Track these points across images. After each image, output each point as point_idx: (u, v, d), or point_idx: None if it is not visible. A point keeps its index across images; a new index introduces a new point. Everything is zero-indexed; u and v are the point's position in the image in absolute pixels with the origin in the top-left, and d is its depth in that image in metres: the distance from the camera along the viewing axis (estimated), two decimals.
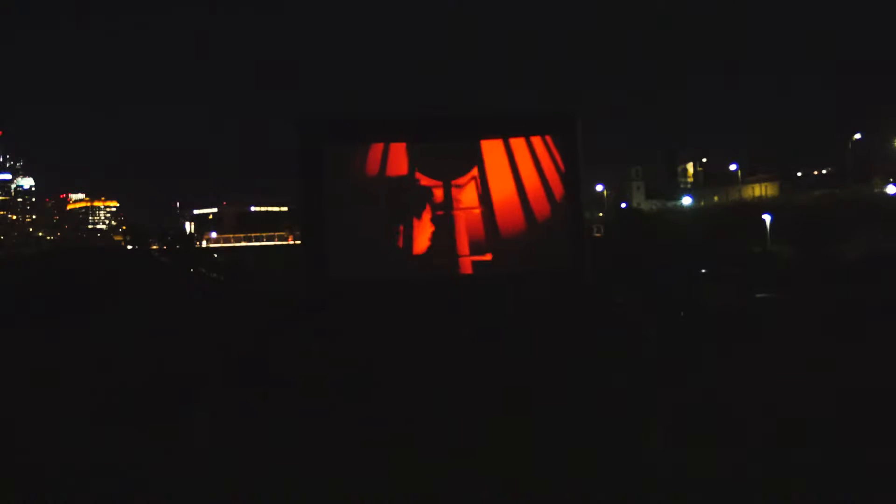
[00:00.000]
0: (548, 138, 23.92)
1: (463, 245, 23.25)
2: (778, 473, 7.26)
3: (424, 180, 23.49)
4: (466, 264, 23.20)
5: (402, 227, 23.27)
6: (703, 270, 28.48)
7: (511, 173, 23.69)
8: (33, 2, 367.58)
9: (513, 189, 23.67)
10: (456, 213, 23.37)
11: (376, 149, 23.63)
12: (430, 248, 23.25)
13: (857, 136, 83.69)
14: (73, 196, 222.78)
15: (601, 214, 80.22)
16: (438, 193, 23.49)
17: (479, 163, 23.68)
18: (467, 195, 23.52)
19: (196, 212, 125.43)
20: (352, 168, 23.61)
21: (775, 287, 23.95)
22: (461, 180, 23.58)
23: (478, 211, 23.41)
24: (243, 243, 73.77)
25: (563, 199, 23.78)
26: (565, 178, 23.86)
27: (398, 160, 23.59)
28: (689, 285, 21.91)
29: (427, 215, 23.31)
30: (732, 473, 7.27)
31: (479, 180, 23.60)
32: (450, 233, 23.25)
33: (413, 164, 23.53)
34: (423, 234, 23.29)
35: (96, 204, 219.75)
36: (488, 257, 23.14)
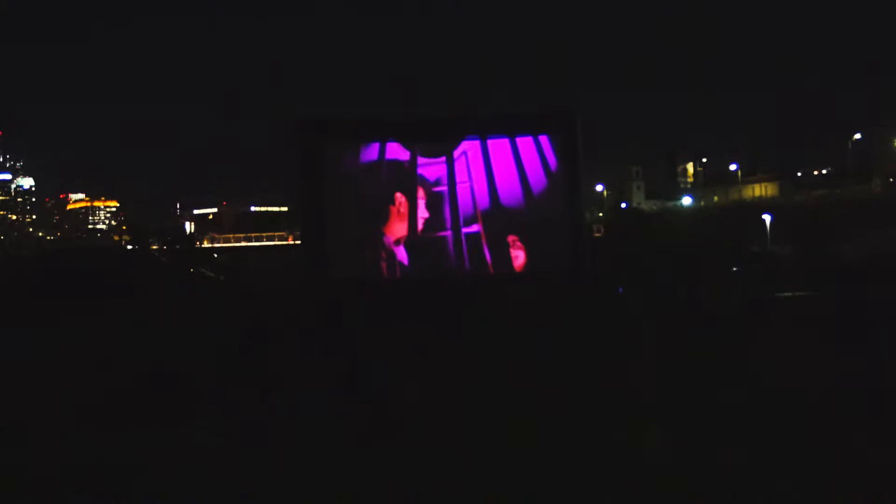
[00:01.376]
0: (548, 137, 23.94)
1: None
2: (778, 473, 7.24)
3: (422, 173, 23.55)
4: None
5: (400, 225, 23.29)
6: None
7: (511, 171, 23.72)
8: (34, 1, 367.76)
9: (513, 187, 23.69)
10: (450, 198, 23.43)
11: (376, 148, 23.65)
12: (426, 236, 23.31)
13: (857, 136, 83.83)
14: (73, 196, 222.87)
15: (601, 214, 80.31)
16: (436, 188, 23.52)
17: (481, 160, 23.72)
18: (466, 190, 23.58)
19: (196, 212, 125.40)
20: (352, 167, 23.61)
21: (776, 287, 23.94)
22: (461, 175, 23.62)
23: (476, 202, 23.46)
24: (243, 243, 73.77)
25: (563, 199, 23.79)
26: (565, 177, 23.87)
27: (398, 159, 23.61)
28: (690, 285, 21.89)
29: (424, 208, 23.35)
30: (733, 474, 7.25)
31: (478, 177, 23.64)
32: (445, 215, 23.32)
33: (412, 163, 23.55)
34: (420, 221, 23.35)
35: (96, 204, 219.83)
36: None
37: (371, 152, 23.59)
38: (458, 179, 23.50)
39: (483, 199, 23.55)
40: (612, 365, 12.43)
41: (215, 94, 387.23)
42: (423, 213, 23.31)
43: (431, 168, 23.54)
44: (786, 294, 22.89)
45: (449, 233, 23.37)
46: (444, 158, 23.55)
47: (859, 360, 12.09)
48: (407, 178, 23.45)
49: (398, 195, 23.37)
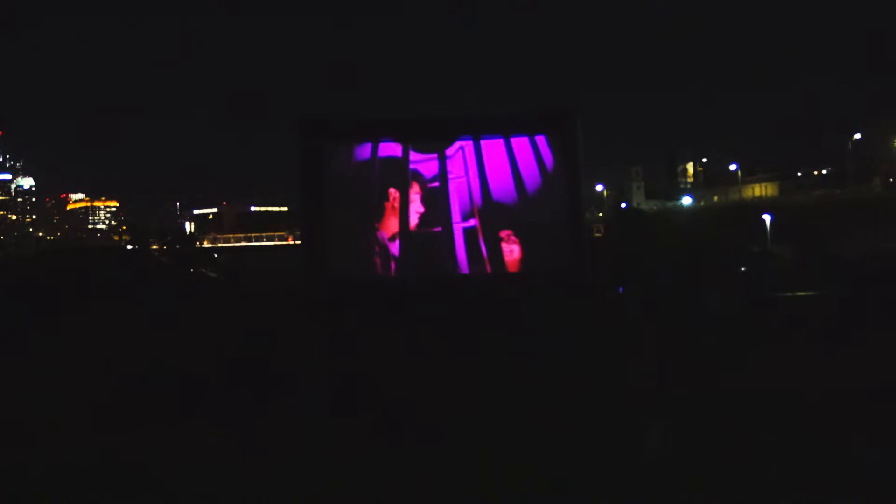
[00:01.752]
0: (548, 137, 23.92)
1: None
2: (779, 473, 7.24)
3: (420, 171, 23.60)
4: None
5: (397, 222, 23.32)
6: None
7: (513, 171, 23.72)
8: (34, 2, 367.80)
9: (512, 186, 23.69)
10: (446, 194, 23.47)
11: (376, 147, 23.68)
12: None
13: (857, 136, 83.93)
14: (73, 196, 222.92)
15: (601, 214, 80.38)
16: (432, 185, 23.55)
17: (480, 159, 23.74)
18: (463, 186, 23.61)
19: (196, 212, 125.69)
20: (352, 167, 23.63)
21: (780, 287, 23.91)
22: (458, 173, 23.65)
23: (473, 199, 23.49)
24: (243, 243, 73.82)
25: (562, 199, 23.78)
26: (565, 177, 23.86)
27: (397, 158, 23.64)
28: (690, 285, 21.86)
29: (420, 203, 23.38)
30: (733, 473, 7.25)
31: (476, 175, 23.67)
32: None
33: (410, 161, 23.59)
34: (416, 217, 23.40)
35: (96, 204, 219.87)
36: (472, 222, 23.28)
37: (370, 152, 23.62)
38: (455, 176, 23.54)
39: (480, 197, 23.58)
40: (613, 365, 12.43)
41: (216, 94, 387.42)
42: (419, 208, 23.37)
43: (427, 165, 23.60)
44: (789, 294, 22.88)
45: (445, 228, 23.40)
46: (440, 156, 23.60)
47: (861, 359, 12.09)
48: (404, 176, 23.49)
49: (396, 193, 23.38)
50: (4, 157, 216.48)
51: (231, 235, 79.75)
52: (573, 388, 11.08)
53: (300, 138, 23.48)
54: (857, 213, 50.44)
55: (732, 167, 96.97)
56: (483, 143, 23.80)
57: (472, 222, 23.41)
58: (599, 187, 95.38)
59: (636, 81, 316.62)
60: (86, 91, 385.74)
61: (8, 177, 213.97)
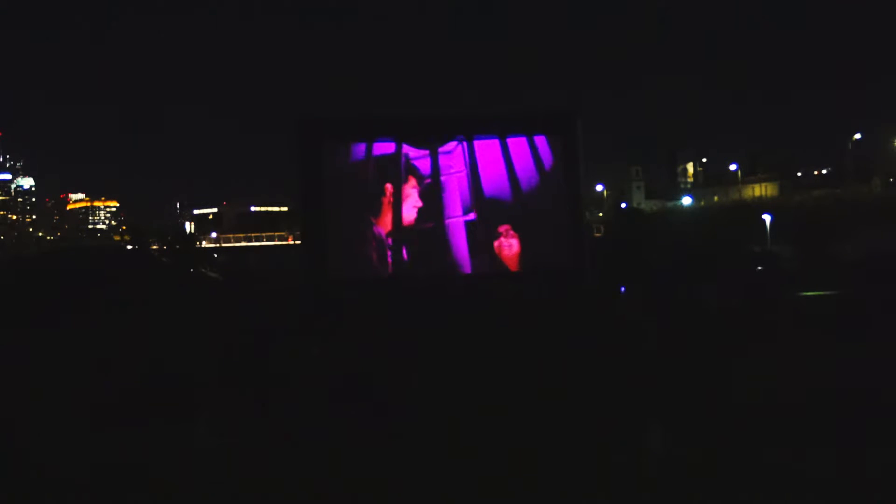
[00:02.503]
0: (547, 137, 23.92)
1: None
2: (779, 473, 7.23)
3: (419, 168, 23.61)
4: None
5: (397, 220, 23.33)
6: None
7: (509, 171, 23.71)
8: (35, 1, 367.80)
9: (512, 186, 23.68)
10: (445, 191, 23.47)
11: (375, 147, 23.69)
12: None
13: (857, 136, 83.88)
14: (73, 196, 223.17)
15: (601, 214, 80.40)
16: (430, 181, 23.55)
17: (480, 158, 23.75)
18: (464, 183, 23.61)
19: (196, 212, 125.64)
20: (351, 166, 23.64)
21: (788, 287, 23.90)
22: (459, 172, 23.66)
23: (472, 196, 23.50)
24: (243, 243, 73.86)
25: (562, 199, 23.78)
26: (565, 177, 23.86)
27: (397, 157, 23.64)
28: (690, 284, 21.87)
29: (419, 199, 23.39)
30: (732, 473, 7.25)
31: (475, 174, 23.68)
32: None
33: (411, 159, 23.60)
34: (414, 214, 23.42)
35: (96, 204, 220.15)
36: (472, 216, 23.30)
37: (370, 151, 23.62)
38: (455, 171, 23.55)
39: (479, 195, 23.59)
40: (612, 365, 12.42)
41: (216, 93, 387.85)
42: (417, 203, 23.39)
43: (425, 161, 23.61)
44: (789, 294, 22.88)
45: (443, 223, 23.41)
46: (440, 154, 23.61)
47: (861, 359, 12.08)
48: (405, 175, 23.51)
49: (396, 189, 23.37)
50: (4, 157, 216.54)
51: (231, 235, 79.75)
52: (573, 387, 11.07)
53: (300, 138, 23.48)
54: (857, 213, 50.34)
55: (732, 167, 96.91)
56: (483, 142, 23.81)
57: (471, 215, 23.44)
58: (599, 187, 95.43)
59: (636, 81, 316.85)
60: (86, 91, 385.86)
61: (8, 177, 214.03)
